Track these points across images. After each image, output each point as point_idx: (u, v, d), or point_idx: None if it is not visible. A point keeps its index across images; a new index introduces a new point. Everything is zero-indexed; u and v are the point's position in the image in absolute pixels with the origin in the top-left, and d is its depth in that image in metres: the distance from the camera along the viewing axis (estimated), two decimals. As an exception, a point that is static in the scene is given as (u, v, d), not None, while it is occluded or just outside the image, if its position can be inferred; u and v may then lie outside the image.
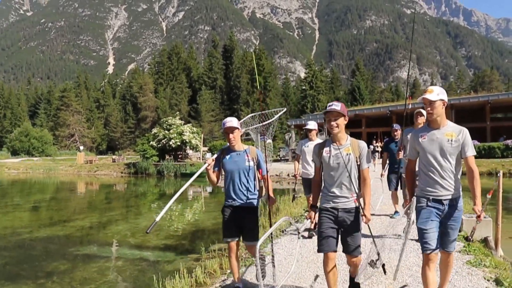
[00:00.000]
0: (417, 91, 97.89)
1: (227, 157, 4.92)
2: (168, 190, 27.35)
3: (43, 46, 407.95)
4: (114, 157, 52.70)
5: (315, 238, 6.05)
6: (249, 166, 4.88)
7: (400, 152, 7.90)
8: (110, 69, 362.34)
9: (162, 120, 45.96)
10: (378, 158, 27.20)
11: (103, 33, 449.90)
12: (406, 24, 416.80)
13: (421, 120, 7.03)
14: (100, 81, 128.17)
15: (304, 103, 77.89)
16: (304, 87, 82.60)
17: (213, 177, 4.95)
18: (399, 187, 9.10)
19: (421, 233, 3.92)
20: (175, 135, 39.93)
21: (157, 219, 4.52)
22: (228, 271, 6.30)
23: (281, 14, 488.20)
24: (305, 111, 71.65)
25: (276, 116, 6.73)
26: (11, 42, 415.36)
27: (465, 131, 3.89)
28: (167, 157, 40.63)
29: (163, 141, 40.23)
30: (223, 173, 5.06)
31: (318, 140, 7.68)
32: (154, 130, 42.44)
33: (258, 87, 6.83)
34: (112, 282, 7.54)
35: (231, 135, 4.81)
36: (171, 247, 10.32)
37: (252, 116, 5.91)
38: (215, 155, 5.02)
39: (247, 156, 4.89)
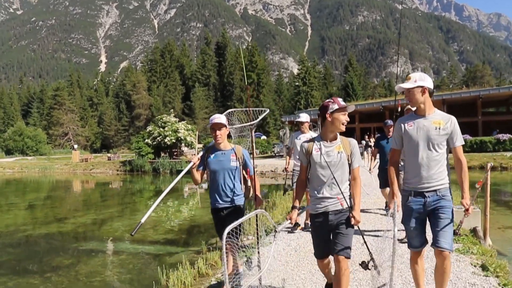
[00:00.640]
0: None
1: (212, 156, 4.73)
2: (164, 187, 27.48)
3: (34, 44, 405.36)
4: (109, 155, 52.78)
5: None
6: (235, 166, 4.71)
7: None
8: (103, 67, 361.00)
9: (156, 117, 46.10)
10: (371, 153, 27.63)
11: (94, 31, 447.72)
12: (398, 20, 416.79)
13: None
14: (93, 80, 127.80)
15: (297, 99, 78.16)
16: (297, 83, 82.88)
17: (197, 176, 4.75)
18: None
19: (406, 229, 3.84)
20: (170, 132, 40.13)
21: (142, 220, 4.33)
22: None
23: (273, 10, 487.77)
24: (299, 107, 71.93)
25: (259, 118, 6.12)
26: (1, 41, 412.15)
27: (454, 119, 3.69)
28: (162, 154, 40.82)
29: (158, 138, 40.41)
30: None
31: (311, 132, 7.77)
32: (149, 128, 42.60)
33: (246, 82, 6.74)
34: (117, 274, 7.83)
35: (218, 132, 4.64)
36: (171, 241, 10.62)
37: (230, 112, 5.58)
38: (200, 154, 4.82)
39: (233, 155, 4.71)
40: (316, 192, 3.78)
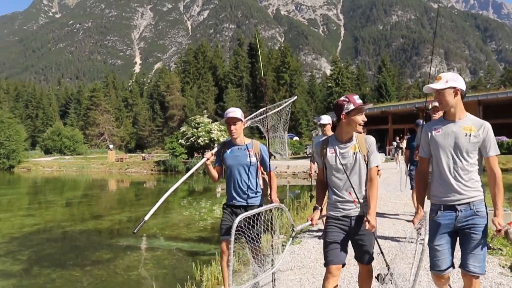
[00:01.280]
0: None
1: (228, 151, 4.56)
2: (197, 187, 28.08)
3: (71, 47, 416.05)
4: (143, 155, 53.84)
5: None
6: (251, 161, 4.49)
7: (417, 152, 7.60)
8: (137, 68, 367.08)
9: (190, 118, 46.76)
10: (401, 155, 27.32)
11: (129, 33, 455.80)
12: (433, 19, 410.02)
13: (439, 115, 6.08)
14: (128, 81, 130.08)
15: (330, 100, 77.75)
16: (330, 84, 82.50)
17: (214, 173, 4.62)
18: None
19: (430, 249, 3.32)
20: (204, 133, 40.68)
21: (146, 218, 4.19)
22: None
23: (305, 10, 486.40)
24: (331, 108, 71.57)
25: (283, 105, 6.15)
26: (41, 43, 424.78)
27: (487, 126, 3.25)
28: (195, 154, 41.39)
29: (191, 139, 41.02)
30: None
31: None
32: (183, 129, 43.27)
33: (262, 74, 6.41)
34: (152, 269, 8.16)
35: (232, 127, 4.46)
36: (204, 239, 10.92)
37: (260, 112, 5.38)
38: (215, 149, 4.72)
39: (249, 151, 4.50)
40: (334, 196, 3.54)
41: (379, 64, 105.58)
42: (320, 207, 3.66)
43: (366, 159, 3.48)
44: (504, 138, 31.62)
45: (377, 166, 3.51)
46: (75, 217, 15.71)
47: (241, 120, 4.52)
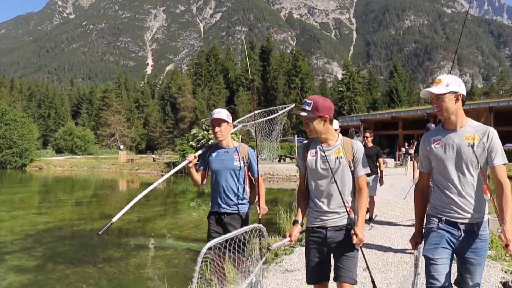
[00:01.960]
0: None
1: (214, 154, 4.29)
2: (207, 189, 28.21)
3: (84, 47, 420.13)
4: (154, 156, 54.24)
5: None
6: (239, 166, 4.22)
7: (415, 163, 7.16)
8: (149, 69, 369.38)
9: (201, 120, 47.05)
10: (410, 160, 27.32)
11: (142, 34, 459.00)
12: (447, 24, 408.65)
13: None
14: (139, 82, 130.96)
15: (341, 105, 77.79)
16: (341, 89, 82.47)
17: (197, 176, 4.32)
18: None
19: (427, 263, 2.95)
20: (214, 135, 40.88)
21: (114, 220, 3.87)
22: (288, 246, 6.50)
23: (318, 14, 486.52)
24: (342, 113, 71.65)
25: (279, 112, 5.80)
26: (55, 44, 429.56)
27: (492, 132, 2.88)
28: (206, 157, 41.60)
29: (202, 141, 41.27)
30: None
31: None
32: (194, 131, 43.54)
33: (250, 76, 6.30)
34: (163, 268, 8.37)
35: (217, 129, 4.19)
36: (214, 240, 11.08)
37: (255, 114, 5.09)
38: (199, 152, 4.44)
39: (237, 154, 4.23)
40: (313, 204, 3.20)
41: (390, 69, 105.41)
42: (300, 221, 3.24)
43: (352, 165, 3.13)
44: (515, 145, 31.48)
45: (366, 175, 3.17)
46: (86, 216, 16.01)
47: (227, 121, 4.24)
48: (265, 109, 6.02)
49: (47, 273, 8.09)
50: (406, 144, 34.81)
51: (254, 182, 4.38)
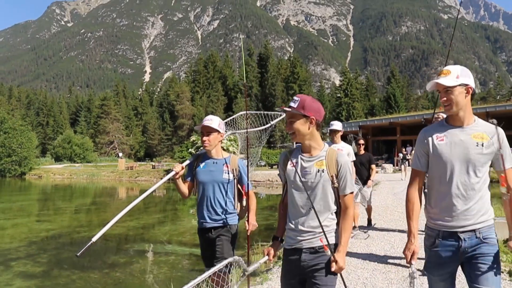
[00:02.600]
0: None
1: (202, 165, 4.03)
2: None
3: (82, 55, 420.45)
4: (153, 163, 54.33)
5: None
6: (228, 179, 3.97)
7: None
8: (147, 77, 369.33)
9: (194, 127, 47.12)
10: (408, 166, 27.42)
11: (140, 42, 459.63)
12: (443, 30, 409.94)
13: None
14: (138, 89, 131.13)
15: (339, 111, 78.10)
16: (339, 95, 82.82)
17: (183, 188, 4.03)
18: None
19: (429, 279, 2.77)
20: (213, 142, 40.99)
21: (94, 239, 3.47)
22: (271, 264, 6.55)
23: (315, 21, 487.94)
24: (340, 119, 71.89)
25: (272, 123, 5.60)
26: (53, 52, 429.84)
27: (501, 132, 2.64)
28: (205, 164, 41.71)
29: (201, 148, 41.32)
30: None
31: (342, 143, 7.56)
32: (193, 138, 43.68)
33: (244, 79, 6.32)
34: (168, 272, 8.50)
35: (205, 137, 3.94)
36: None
37: (241, 115, 4.79)
38: (187, 162, 4.17)
39: (226, 166, 3.98)
40: (289, 221, 2.80)
41: (388, 75, 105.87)
42: (280, 237, 2.94)
43: (335, 182, 2.70)
44: (512, 151, 31.63)
45: (351, 193, 2.73)
46: (88, 223, 16.16)
47: (218, 131, 3.98)
48: (257, 111, 5.94)
49: (53, 279, 8.23)
50: (403, 149, 35.04)
51: (243, 196, 4.12)
